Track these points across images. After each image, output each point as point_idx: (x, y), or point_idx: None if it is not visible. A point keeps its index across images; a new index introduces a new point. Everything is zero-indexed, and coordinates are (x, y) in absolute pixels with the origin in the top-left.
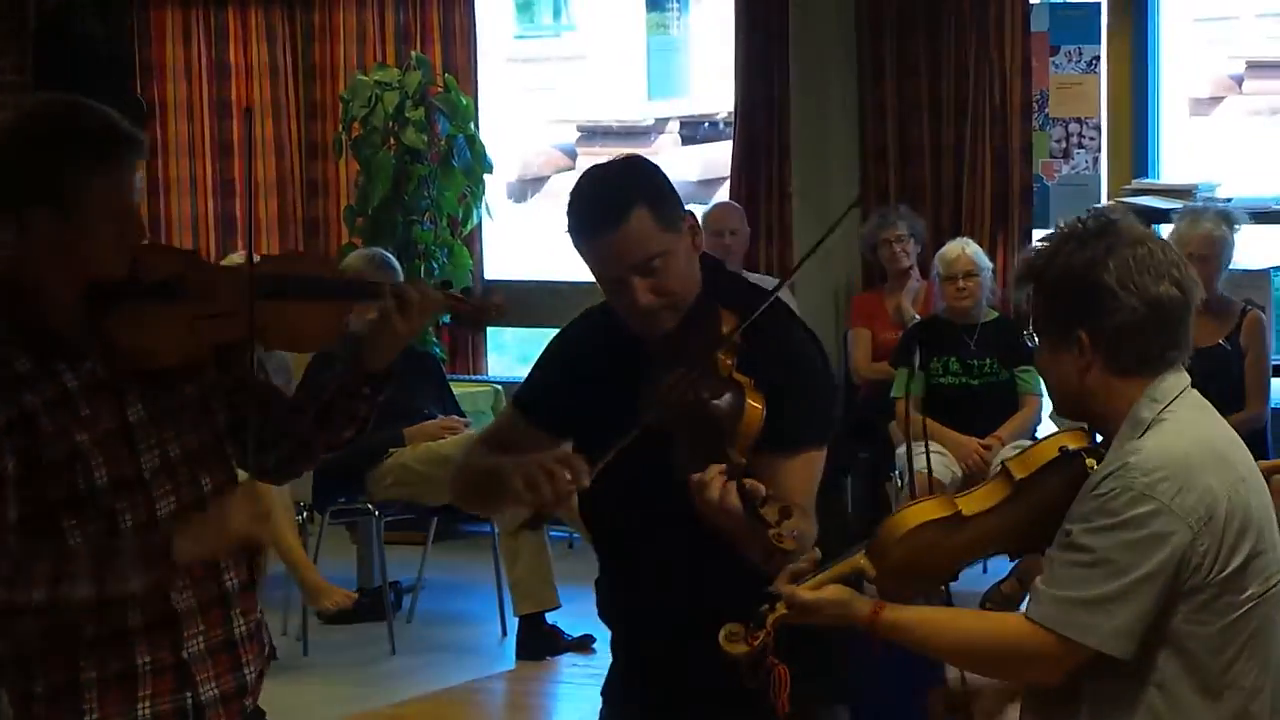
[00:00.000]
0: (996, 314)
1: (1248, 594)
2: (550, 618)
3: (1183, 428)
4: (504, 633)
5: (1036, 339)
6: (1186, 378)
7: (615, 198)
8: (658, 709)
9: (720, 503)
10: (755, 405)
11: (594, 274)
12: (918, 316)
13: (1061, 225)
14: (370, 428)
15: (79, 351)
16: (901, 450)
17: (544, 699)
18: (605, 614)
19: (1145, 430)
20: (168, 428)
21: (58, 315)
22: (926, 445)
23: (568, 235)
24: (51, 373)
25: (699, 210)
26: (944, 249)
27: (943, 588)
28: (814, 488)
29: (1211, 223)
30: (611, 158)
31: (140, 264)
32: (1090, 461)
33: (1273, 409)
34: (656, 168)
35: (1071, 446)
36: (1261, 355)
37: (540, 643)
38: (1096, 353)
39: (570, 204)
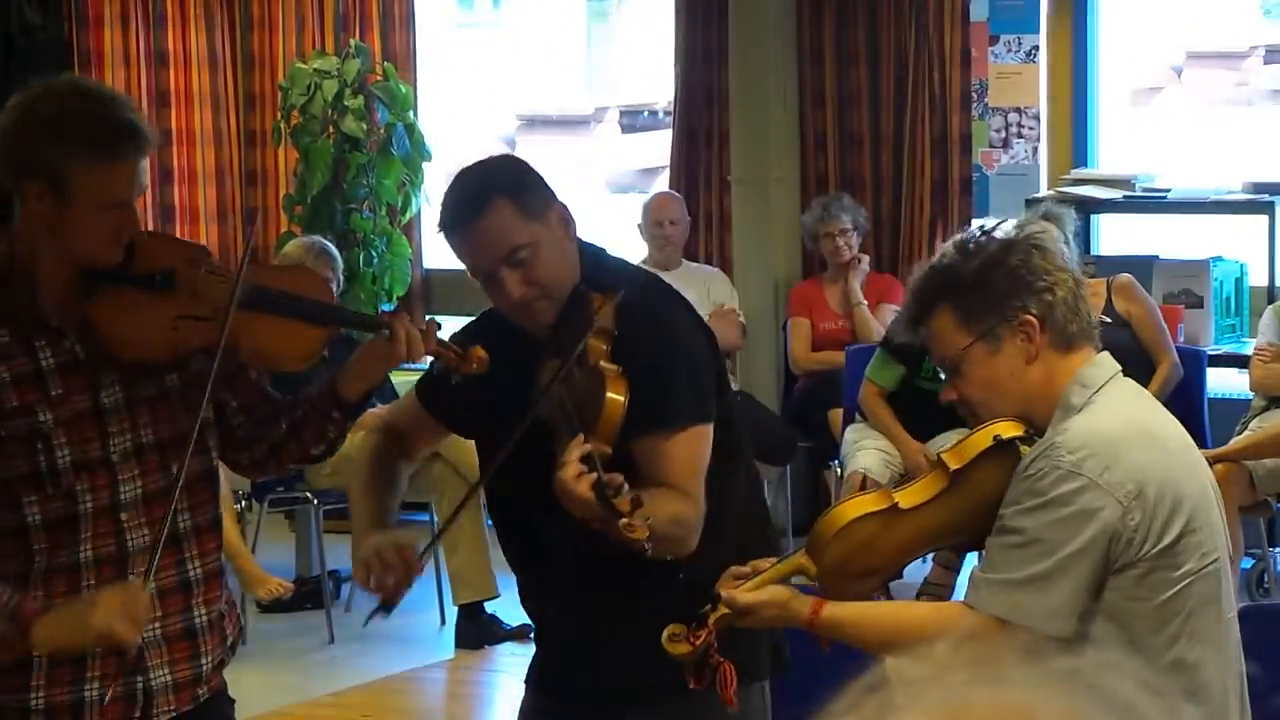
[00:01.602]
0: None
1: (1184, 570)
2: (489, 607)
3: (1112, 407)
4: (443, 622)
5: (953, 366)
6: (1114, 362)
7: (475, 192)
8: (576, 697)
9: (574, 493)
10: (616, 396)
11: (470, 272)
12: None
13: (928, 260)
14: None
15: (61, 330)
16: (848, 435)
17: (482, 688)
18: (524, 603)
19: (1075, 414)
20: (144, 414)
21: (46, 293)
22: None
23: (438, 233)
24: (30, 348)
25: (639, 200)
26: None
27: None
28: (698, 465)
29: (1032, 224)
30: (562, 147)
31: (139, 253)
32: (1025, 449)
33: (1210, 398)
34: (522, 162)
35: (1005, 435)
36: (1146, 311)
37: (479, 632)
38: (1044, 332)
39: (440, 203)
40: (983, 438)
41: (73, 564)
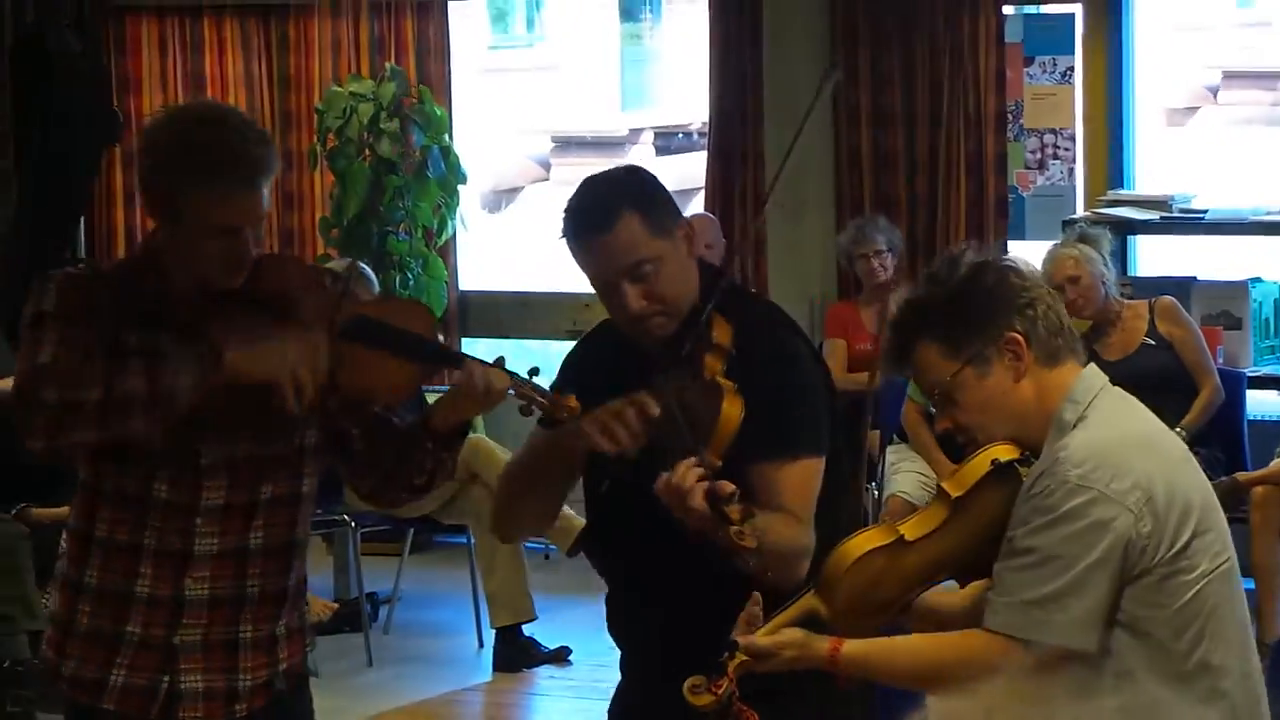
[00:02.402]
0: None
1: (1199, 571)
2: (527, 629)
3: (1108, 419)
4: (480, 644)
5: (943, 397)
6: (1102, 375)
7: (605, 202)
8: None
9: (687, 497)
10: (732, 410)
11: (589, 281)
12: None
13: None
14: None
15: (189, 336)
16: (889, 455)
17: (520, 711)
18: (614, 630)
19: (1071, 430)
20: (245, 430)
21: (176, 303)
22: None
23: (562, 240)
24: (158, 343)
25: None
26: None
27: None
28: (810, 496)
29: (1066, 247)
30: (596, 169)
31: (259, 273)
32: (1024, 471)
33: (1250, 420)
34: (652, 176)
35: (1003, 459)
36: (1189, 334)
37: (517, 654)
38: (1030, 348)
39: (565, 209)
40: (980, 463)
41: (135, 546)
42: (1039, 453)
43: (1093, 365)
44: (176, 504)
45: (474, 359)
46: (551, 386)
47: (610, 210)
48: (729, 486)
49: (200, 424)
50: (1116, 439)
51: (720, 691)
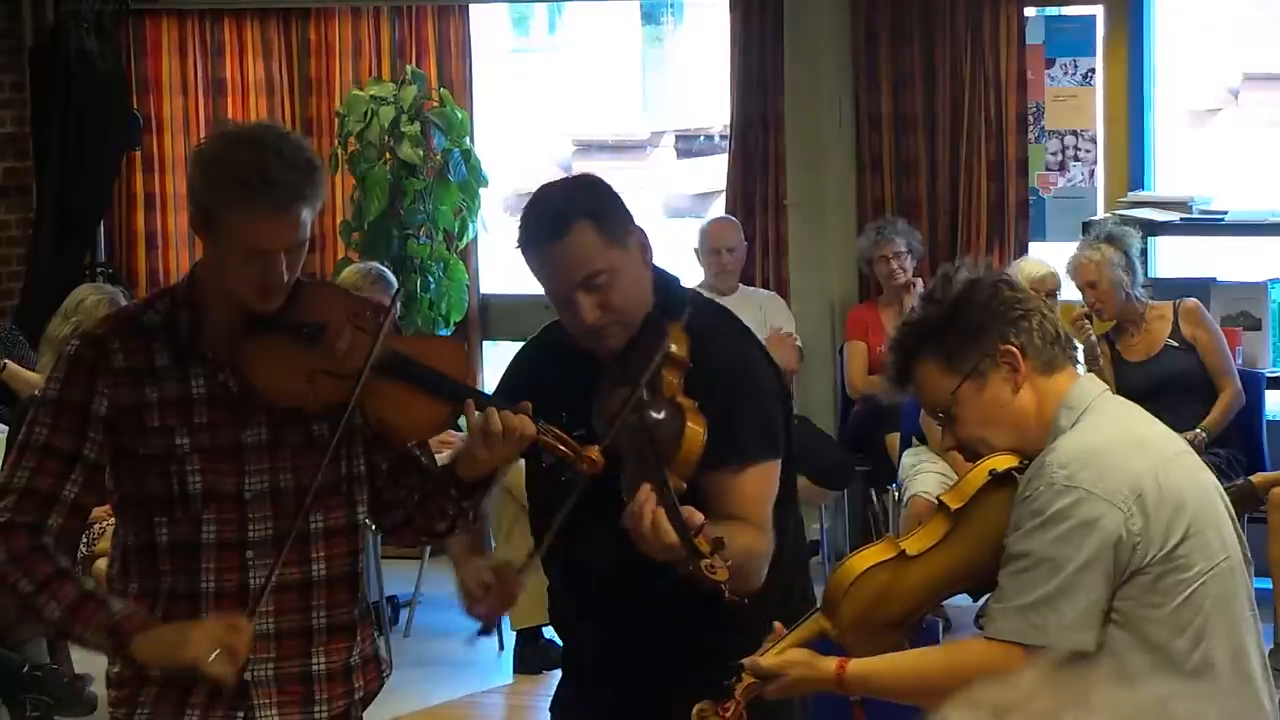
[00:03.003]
0: None
1: (1195, 570)
2: (547, 632)
3: (1100, 422)
4: (501, 647)
5: (946, 414)
6: (1100, 382)
7: (559, 212)
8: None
9: (653, 532)
10: (696, 429)
11: (544, 289)
12: None
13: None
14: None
15: (218, 363)
16: (906, 459)
17: (540, 713)
18: (556, 624)
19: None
20: (285, 458)
21: (211, 326)
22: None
23: (517, 249)
24: (184, 374)
25: (695, 224)
26: (1021, 267)
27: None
28: (767, 502)
29: (1088, 249)
30: (618, 172)
31: (299, 300)
32: (1021, 478)
33: (1269, 420)
34: (606, 184)
35: (1001, 468)
36: (1212, 336)
37: (537, 657)
38: (1026, 359)
39: (520, 219)
40: (978, 475)
41: (193, 592)
42: (1033, 452)
43: (1090, 374)
44: (226, 541)
45: (501, 403)
46: (496, 390)
47: (564, 220)
48: (698, 517)
49: (242, 458)
50: (1105, 440)
51: (728, 714)
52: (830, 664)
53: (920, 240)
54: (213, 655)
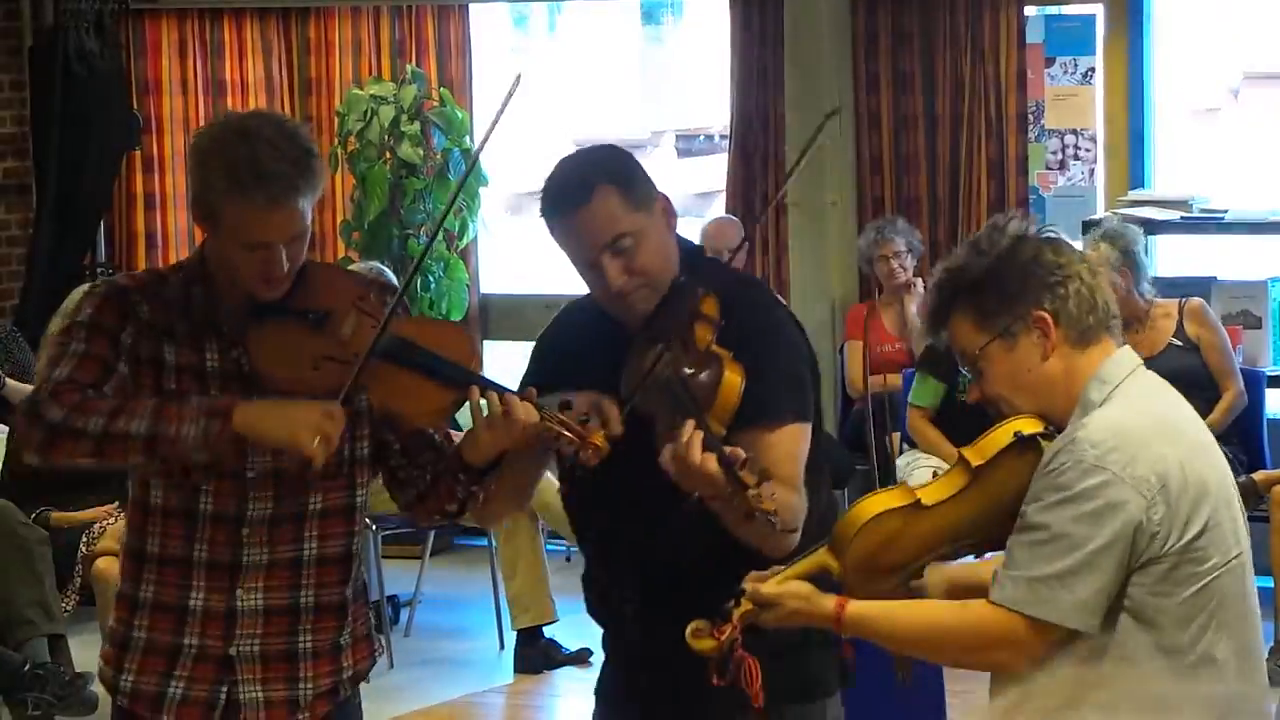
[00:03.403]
0: None
1: (1210, 564)
2: (548, 631)
3: (1131, 401)
4: (502, 646)
5: (976, 366)
6: (1135, 356)
7: (581, 178)
8: (650, 705)
9: (699, 465)
10: (734, 376)
11: (570, 259)
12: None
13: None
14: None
15: (232, 340)
16: (901, 461)
17: (541, 712)
18: (593, 609)
19: (1096, 409)
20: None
21: (224, 304)
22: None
23: (542, 220)
24: (199, 347)
25: (695, 224)
26: None
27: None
28: (799, 462)
29: (1090, 247)
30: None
31: (306, 285)
32: (1046, 445)
33: (1269, 419)
34: (625, 151)
35: (1026, 432)
36: (1216, 336)
37: (538, 656)
38: (1059, 327)
39: (543, 188)
40: (1003, 434)
41: (185, 558)
42: (1064, 429)
43: (1127, 347)
44: (223, 515)
45: (507, 391)
46: (527, 372)
47: (587, 185)
48: (740, 452)
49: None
50: (1138, 421)
51: (723, 637)
52: (829, 602)
53: (920, 239)
54: (315, 440)
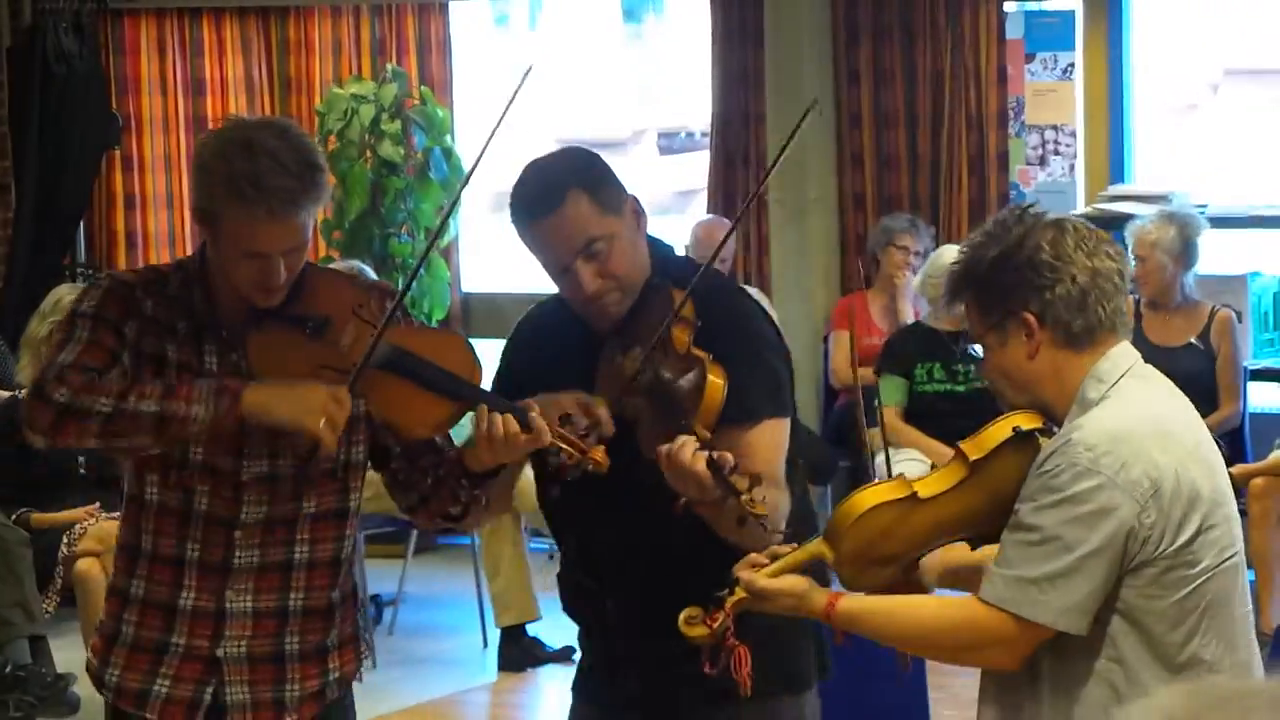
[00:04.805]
0: None
1: (1201, 567)
2: (531, 629)
3: (1127, 403)
4: (485, 644)
5: (981, 347)
6: (1134, 352)
7: (551, 183)
8: (628, 702)
9: (691, 470)
10: (717, 380)
11: (542, 265)
12: (913, 318)
13: (978, 232)
14: None
15: (231, 343)
16: (880, 460)
17: (525, 711)
18: (571, 608)
19: (1092, 408)
20: (287, 443)
21: (224, 307)
22: (886, 452)
23: (513, 227)
24: (198, 347)
25: (678, 222)
26: (934, 255)
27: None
28: (779, 458)
29: (1155, 223)
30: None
31: (305, 293)
32: (1044, 441)
33: (1250, 413)
34: (594, 155)
35: (1025, 427)
36: (1232, 355)
37: (521, 654)
38: (1044, 329)
39: (512, 195)
40: (1002, 429)
41: (178, 557)
42: (1061, 424)
43: (1124, 344)
44: (216, 516)
45: (506, 404)
46: (497, 374)
47: (558, 191)
48: (729, 457)
49: (242, 439)
50: (1133, 424)
51: (715, 625)
52: (822, 597)
53: (932, 249)
54: (322, 422)
